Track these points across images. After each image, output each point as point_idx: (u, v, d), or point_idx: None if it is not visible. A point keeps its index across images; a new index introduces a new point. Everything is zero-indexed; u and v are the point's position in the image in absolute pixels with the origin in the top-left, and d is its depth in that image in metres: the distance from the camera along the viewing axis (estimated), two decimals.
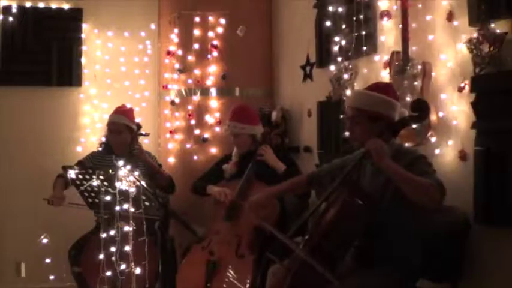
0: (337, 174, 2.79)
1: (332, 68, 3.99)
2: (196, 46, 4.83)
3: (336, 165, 2.96)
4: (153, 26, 5.29)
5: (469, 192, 2.81)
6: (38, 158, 4.93)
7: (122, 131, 4.16)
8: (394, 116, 2.69)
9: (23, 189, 4.86)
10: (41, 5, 5.07)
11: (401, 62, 3.20)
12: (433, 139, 3.07)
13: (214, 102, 4.85)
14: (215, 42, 4.83)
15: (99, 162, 4.15)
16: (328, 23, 4.02)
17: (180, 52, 4.91)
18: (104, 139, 4.40)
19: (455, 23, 2.98)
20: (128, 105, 4.46)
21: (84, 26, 5.16)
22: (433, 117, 3.03)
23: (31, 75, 5.04)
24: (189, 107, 4.86)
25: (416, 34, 3.22)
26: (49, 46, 5.06)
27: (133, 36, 5.27)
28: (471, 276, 2.82)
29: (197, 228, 3.15)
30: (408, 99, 3.10)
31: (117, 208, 3.13)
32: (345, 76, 3.84)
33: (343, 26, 3.85)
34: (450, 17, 3.01)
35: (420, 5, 3.22)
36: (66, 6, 5.11)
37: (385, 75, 3.46)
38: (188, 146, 4.84)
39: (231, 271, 3.57)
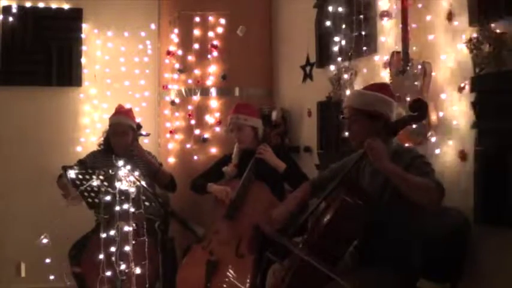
0: (338, 175, 2.79)
1: (332, 68, 4.00)
2: (196, 46, 4.83)
3: (336, 168, 2.97)
4: (153, 26, 5.29)
5: (469, 192, 2.82)
6: (38, 158, 4.94)
7: (127, 132, 4.14)
8: (391, 115, 2.70)
9: (23, 189, 4.86)
10: (41, 5, 5.08)
11: (401, 62, 3.20)
12: (433, 139, 3.07)
13: (214, 102, 4.85)
14: (215, 42, 4.83)
15: (99, 162, 4.14)
16: (328, 23, 4.01)
17: (180, 52, 4.91)
18: (102, 140, 4.37)
19: (455, 23, 2.98)
20: (128, 105, 4.45)
21: (84, 26, 5.17)
22: (433, 117, 3.03)
23: (31, 75, 5.04)
24: (189, 107, 4.86)
25: (416, 34, 3.22)
26: (49, 46, 5.06)
27: (133, 36, 5.27)
28: (471, 276, 2.82)
29: (197, 228, 3.14)
30: (408, 99, 3.10)
31: (117, 208, 3.13)
32: (345, 76, 3.84)
33: (343, 26, 3.85)
34: (450, 17, 3.01)
35: (420, 5, 3.22)
36: (66, 6, 5.12)
37: (385, 75, 3.46)
38: (188, 146, 4.84)
39: (231, 271, 3.57)
